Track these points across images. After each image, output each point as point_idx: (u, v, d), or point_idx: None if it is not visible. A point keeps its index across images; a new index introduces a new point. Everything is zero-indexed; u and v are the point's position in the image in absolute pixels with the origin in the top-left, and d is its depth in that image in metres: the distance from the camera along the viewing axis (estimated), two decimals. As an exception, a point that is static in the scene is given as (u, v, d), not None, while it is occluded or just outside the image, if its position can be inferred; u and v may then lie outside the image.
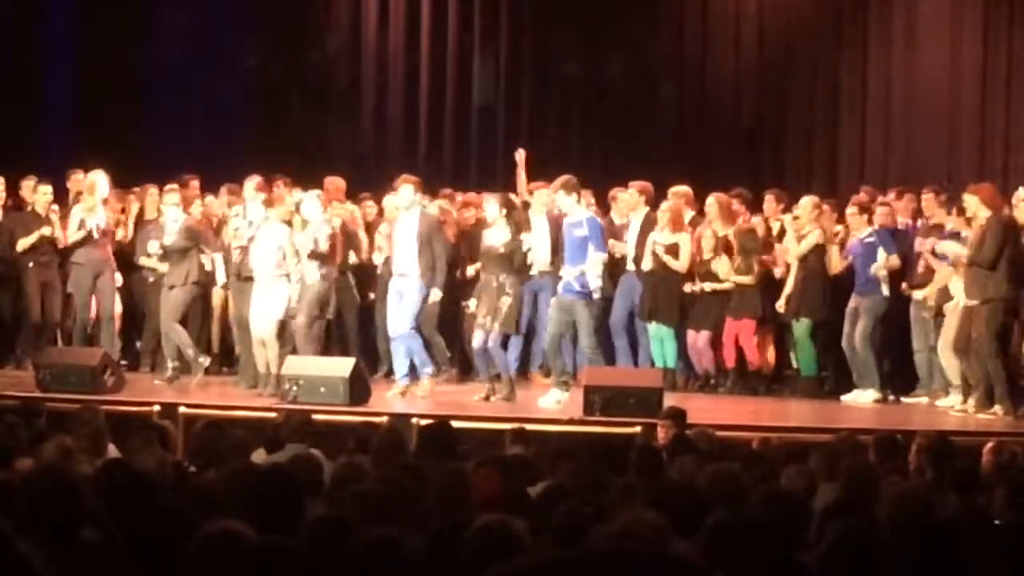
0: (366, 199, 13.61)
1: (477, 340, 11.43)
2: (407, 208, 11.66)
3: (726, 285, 12.49)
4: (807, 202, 12.43)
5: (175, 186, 12.59)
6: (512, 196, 12.04)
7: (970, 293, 11.03)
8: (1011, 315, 11.12)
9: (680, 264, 12.58)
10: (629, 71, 15.88)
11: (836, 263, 12.31)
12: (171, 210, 12.29)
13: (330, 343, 12.72)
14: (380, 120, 16.35)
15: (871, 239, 12.04)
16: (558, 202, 11.47)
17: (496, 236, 11.40)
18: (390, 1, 16.26)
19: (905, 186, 13.09)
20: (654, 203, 12.89)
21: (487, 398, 11.32)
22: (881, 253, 11.97)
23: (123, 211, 13.39)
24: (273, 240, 11.42)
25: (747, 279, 12.42)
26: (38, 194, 13.00)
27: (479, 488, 5.91)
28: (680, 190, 13.09)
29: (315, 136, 16.00)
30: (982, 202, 11.09)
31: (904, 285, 12.04)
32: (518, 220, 11.63)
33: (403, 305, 11.53)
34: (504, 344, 11.45)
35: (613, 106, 15.92)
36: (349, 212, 13.09)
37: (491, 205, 11.61)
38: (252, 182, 12.09)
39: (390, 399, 11.25)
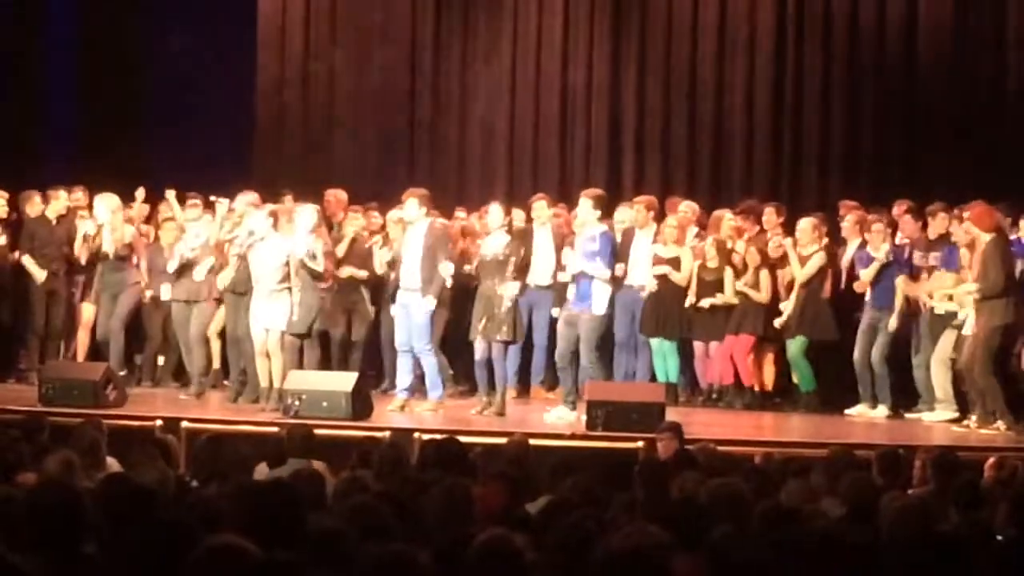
0: (372, 209, 13.52)
1: (478, 351, 11.40)
2: (413, 222, 11.65)
3: (730, 299, 12.44)
4: (807, 224, 12.34)
5: (197, 200, 12.55)
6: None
7: (982, 316, 10.82)
8: (1011, 336, 11.05)
9: (680, 277, 12.56)
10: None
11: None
12: (194, 224, 12.28)
13: (331, 358, 12.73)
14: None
15: (890, 256, 11.97)
16: (580, 210, 11.46)
17: (494, 243, 11.38)
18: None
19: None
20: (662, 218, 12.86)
21: (482, 412, 11.29)
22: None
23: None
24: (277, 253, 11.40)
25: (759, 295, 12.36)
26: (58, 200, 13.00)
27: (483, 503, 5.91)
28: (688, 206, 13.09)
29: (325, 150, 15.83)
30: (975, 224, 10.91)
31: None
32: (517, 229, 11.57)
33: (413, 321, 11.48)
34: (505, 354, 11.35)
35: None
36: (360, 224, 13.02)
37: (495, 212, 11.57)
38: (247, 197, 12.09)
39: (390, 414, 11.22)
